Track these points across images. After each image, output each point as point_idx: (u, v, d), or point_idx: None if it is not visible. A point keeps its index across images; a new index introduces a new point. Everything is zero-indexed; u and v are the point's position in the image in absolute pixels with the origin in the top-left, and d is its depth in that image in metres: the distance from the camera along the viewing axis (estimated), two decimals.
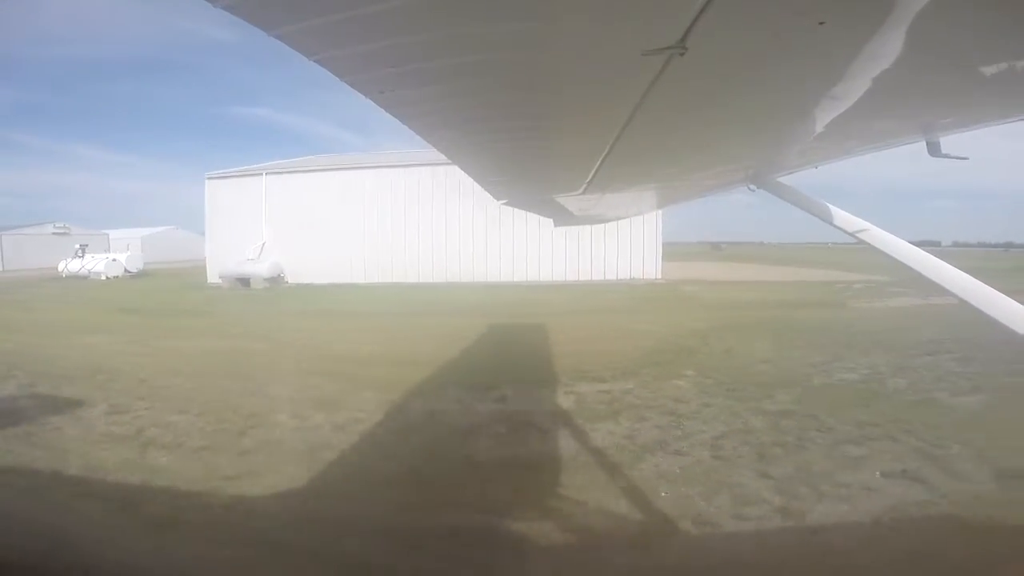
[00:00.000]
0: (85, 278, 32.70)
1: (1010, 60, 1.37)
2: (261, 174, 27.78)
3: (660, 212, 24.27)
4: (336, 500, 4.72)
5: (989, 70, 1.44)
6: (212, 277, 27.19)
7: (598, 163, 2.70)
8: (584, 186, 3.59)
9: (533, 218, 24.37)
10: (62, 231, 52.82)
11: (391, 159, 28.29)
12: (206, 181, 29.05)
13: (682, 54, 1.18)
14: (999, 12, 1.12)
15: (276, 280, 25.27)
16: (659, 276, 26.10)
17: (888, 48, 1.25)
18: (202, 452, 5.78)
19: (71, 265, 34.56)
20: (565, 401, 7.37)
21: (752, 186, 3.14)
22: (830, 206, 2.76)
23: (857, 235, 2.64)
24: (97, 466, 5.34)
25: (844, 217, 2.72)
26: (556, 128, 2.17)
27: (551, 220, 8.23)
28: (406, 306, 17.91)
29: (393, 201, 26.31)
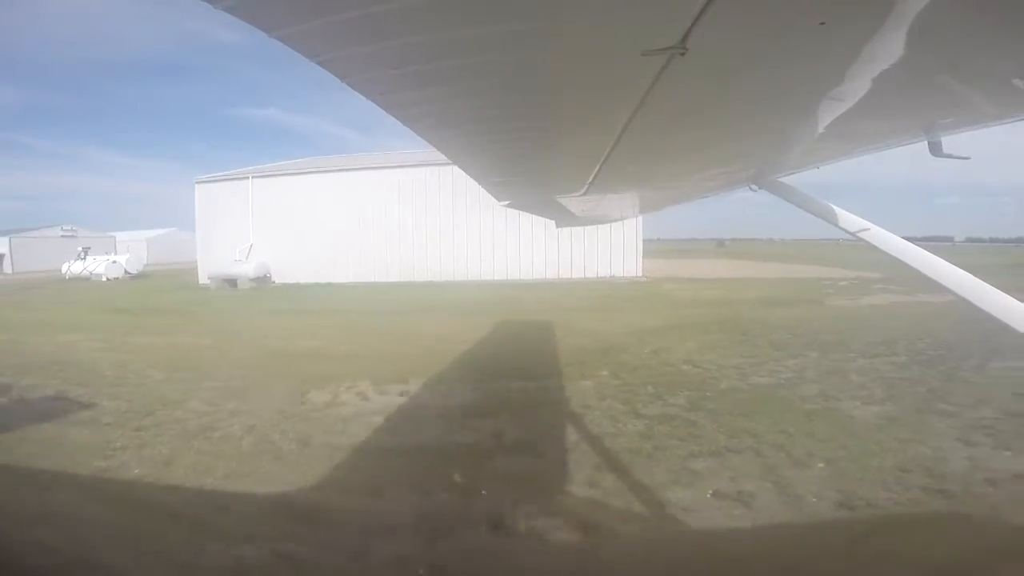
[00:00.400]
0: (87, 280, 33.38)
1: (1010, 60, 1.37)
2: (248, 177, 28.40)
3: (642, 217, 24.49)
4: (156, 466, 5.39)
5: (990, 70, 1.44)
6: (203, 278, 27.78)
7: (599, 164, 2.71)
8: (586, 187, 3.59)
9: (515, 218, 24.67)
10: (70, 234, 53.56)
11: (374, 161, 28.86)
12: (195, 185, 29.70)
13: (683, 54, 1.18)
14: (998, 12, 1.12)
15: (262, 280, 25.90)
16: (640, 274, 26.45)
17: (888, 48, 1.25)
18: (102, 426, 6.65)
19: (73, 267, 35.32)
20: (466, 397, 7.51)
21: (754, 186, 3.14)
22: (832, 206, 2.75)
23: (859, 234, 2.63)
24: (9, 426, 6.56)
25: (846, 217, 2.72)
26: (557, 129, 2.17)
27: (552, 221, 8.23)
28: (376, 305, 18.37)
29: (378, 202, 26.74)
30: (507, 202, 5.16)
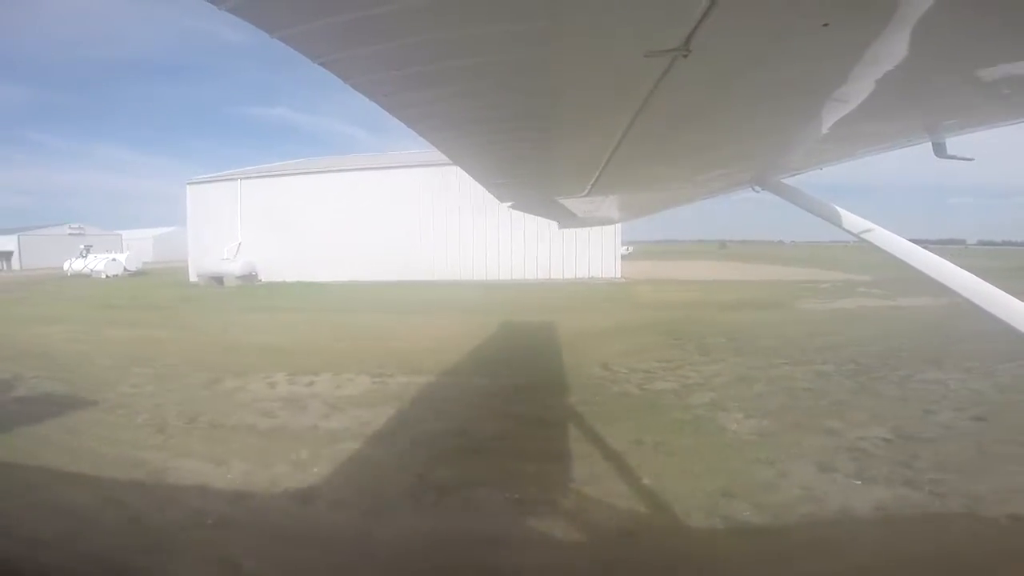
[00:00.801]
0: (87, 276, 34.18)
1: (1014, 61, 1.36)
2: (237, 179, 29.20)
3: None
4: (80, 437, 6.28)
5: (993, 71, 1.43)
6: (193, 276, 28.51)
7: (602, 165, 2.70)
8: (588, 188, 3.59)
9: (497, 220, 25.38)
10: (77, 231, 54.34)
11: (360, 163, 29.44)
12: (187, 186, 30.51)
13: (685, 56, 1.18)
14: (1001, 13, 1.12)
15: (249, 278, 26.58)
16: (618, 275, 26.71)
17: (892, 49, 1.24)
18: (32, 400, 7.82)
19: (75, 264, 36.17)
20: (358, 388, 8.13)
21: (757, 187, 3.13)
22: (835, 207, 2.74)
23: (862, 236, 2.62)
24: None
25: (849, 218, 2.70)
26: (560, 130, 2.17)
27: (533, 225, 8.25)
28: (349, 304, 18.84)
29: (363, 203, 27.22)
30: (510, 203, 5.16)
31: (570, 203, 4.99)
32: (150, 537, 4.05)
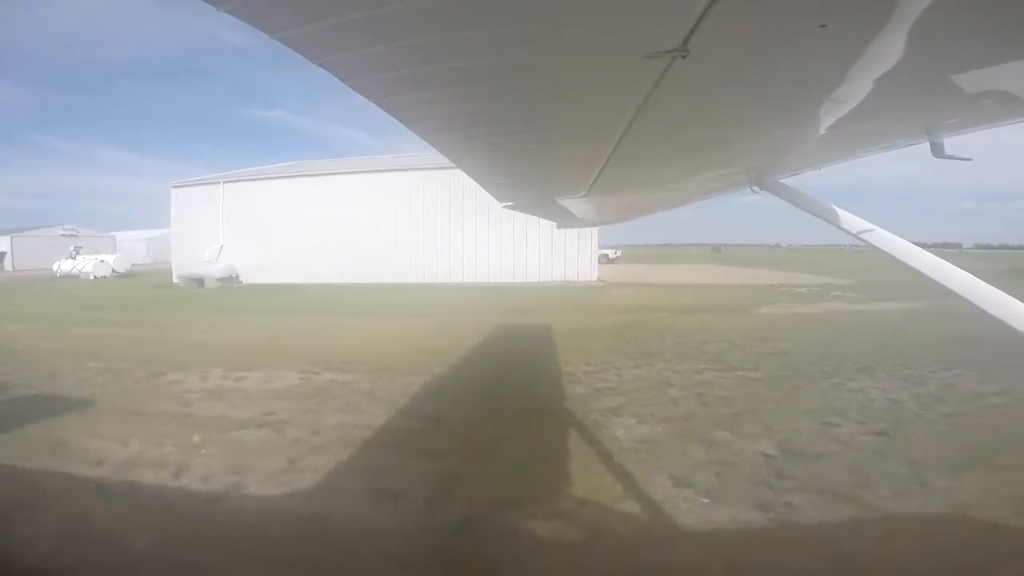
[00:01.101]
0: (76, 278, 34.57)
1: (1012, 61, 1.36)
2: (219, 183, 29.78)
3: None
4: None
5: (991, 71, 1.43)
6: (177, 278, 28.97)
7: (601, 166, 2.71)
8: (587, 189, 3.60)
9: (476, 223, 25.97)
10: (70, 233, 54.36)
11: (341, 167, 30.15)
12: (172, 190, 31.04)
13: (684, 57, 1.19)
14: (999, 13, 1.12)
15: (229, 280, 27.19)
16: (595, 278, 26.98)
17: (889, 50, 1.25)
18: None
19: (64, 266, 36.63)
20: (285, 383, 8.60)
21: (755, 188, 3.13)
22: (834, 207, 2.74)
23: (861, 236, 2.62)
24: None
25: (848, 219, 2.70)
26: (559, 131, 2.18)
27: (508, 229, 8.25)
28: (317, 305, 19.08)
29: (344, 207, 27.67)
30: (509, 204, 5.16)
31: (569, 203, 4.99)
32: (27, 495, 4.67)
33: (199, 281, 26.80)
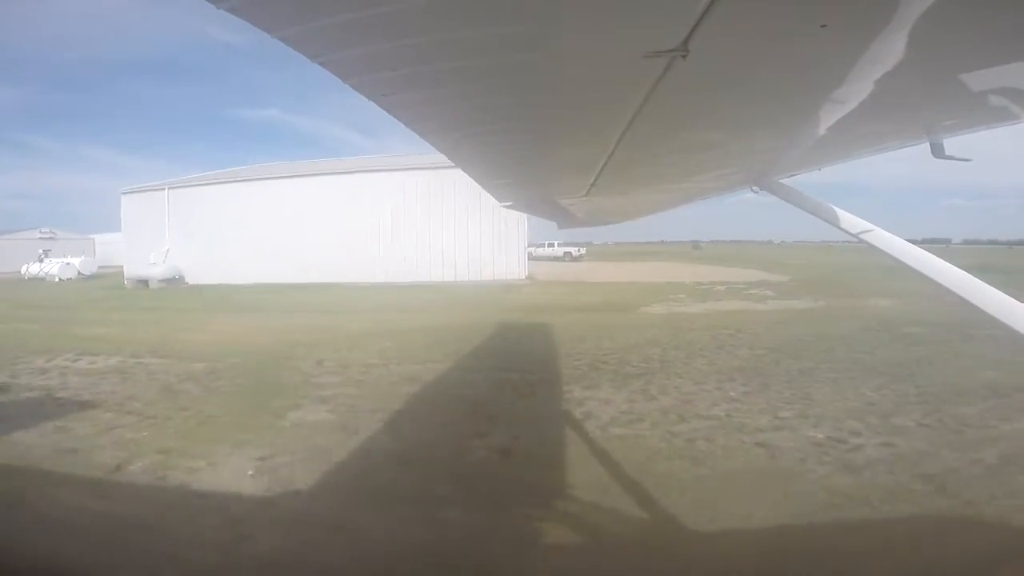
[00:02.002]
0: (43, 280, 35.64)
1: (1012, 61, 1.36)
2: (164, 188, 31.54)
3: (525, 218, 26.83)
4: None
5: (991, 72, 1.43)
6: (126, 280, 30.61)
7: (601, 166, 2.71)
8: (587, 189, 3.60)
9: (416, 225, 27.13)
10: (48, 236, 54.38)
11: (278, 171, 31.76)
12: (121, 196, 32.56)
13: (684, 56, 1.18)
14: (999, 14, 1.12)
15: (173, 281, 28.68)
16: (523, 277, 27.52)
17: (890, 50, 1.24)
18: None
19: (31, 268, 37.74)
20: (105, 364, 9.91)
21: (755, 188, 3.13)
22: (834, 207, 2.75)
23: (861, 236, 2.63)
24: None
25: (848, 218, 2.71)
26: (558, 131, 2.17)
27: (555, 223, 8.25)
28: (235, 303, 20.00)
29: (284, 209, 28.84)
30: (508, 204, 5.15)
31: (569, 203, 4.99)
32: None
33: (144, 282, 28.27)
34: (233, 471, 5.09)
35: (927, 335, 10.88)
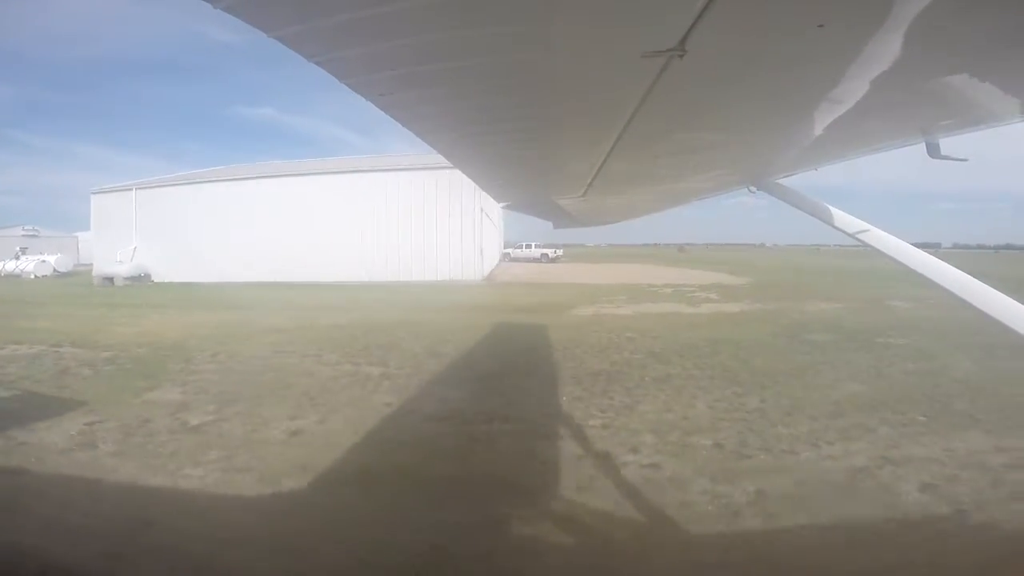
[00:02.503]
0: (19, 277, 36.20)
1: (1008, 62, 1.37)
2: (132, 189, 32.52)
3: (481, 221, 27.99)
4: None
5: (988, 72, 1.44)
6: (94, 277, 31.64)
7: (598, 165, 2.71)
8: (585, 188, 3.60)
9: (372, 225, 27.76)
10: (31, 233, 54.40)
11: (240, 173, 32.69)
12: (91, 196, 33.42)
13: (681, 56, 1.19)
14: (996, 13, 1.13)
15: (139, 279, 29.60)
16: (480, 277, 28.01)
17: (886, 51, 1.25)
18: None
19: (7, 266, 38.04)
20: (26, 352, 10.51)
21: (752, 188, 3.14)
22: (831, 208, 2.75)
23: (858, 236, 2.63)
24: None
25: (845, 218, 2.71)
26: (556, 130, 2.17)
27: (551, 223, 8.25)
28: (188, 301, 20.31)
29: (249, 210, 29.64)
30: (506, 203, 5.16)
31: (567, 203, 4.99)
32: None
33: (110, 280, 29.07)
34: (62, 431, 6.07)
35: (828, 342, 10.88)
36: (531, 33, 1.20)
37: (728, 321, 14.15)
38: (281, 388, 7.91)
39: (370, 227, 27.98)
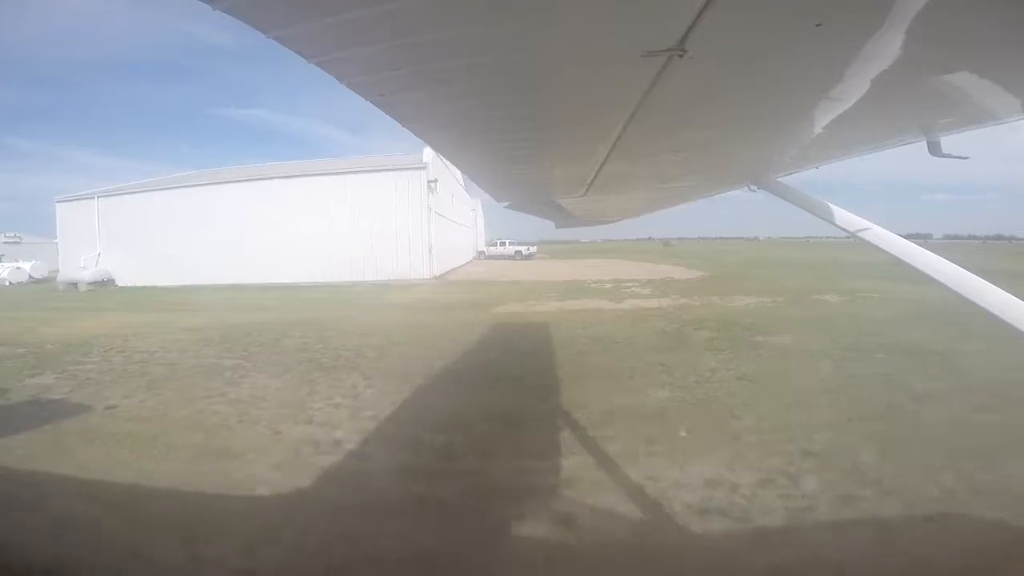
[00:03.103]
0: None
1: (1008, 60, 1.37)
2: (95, 197, 33.85)
3: (429, 221, 28.78)
4: None
5: (988, 70, 1.44)
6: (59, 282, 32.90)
7: (599, 165, 2.71)
8: (585, 188, 3.60)
9: (325, 227, 28.61)
10: (13, 240, 54.74)
11: (203, 179, 34.17)
12: (56, 204, 34.81)
13: (681, 56, 1.19)
14: (995, 12, 1.12)
15: (102, 284, 30.79)
16: (428, 275, 28.60)
17: (885, 49, 1.25)
18: None
19: None
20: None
21: (753, 186, 3.13)
22: (831, 205, 2.75)
23: (858, 234, 2.63)
24: None
25: (845, 216, 2.71)
26: (556, 129, 2.17)
27: (551, 223, 8.24)
28: (135, 305, 20.75)
29: (208, 215, 30.80)
30: (506, 203, 5.15)
31: (567, 202, 4.99)
32: None
33: (73, 284, 30.02)
34: None
35: (699, 341, 10.54)
36: (531, 33, 1.20)
37: (630, 318, 14.07)
38: (136, 376, 8.82)
39: (323, 229, 28.95)
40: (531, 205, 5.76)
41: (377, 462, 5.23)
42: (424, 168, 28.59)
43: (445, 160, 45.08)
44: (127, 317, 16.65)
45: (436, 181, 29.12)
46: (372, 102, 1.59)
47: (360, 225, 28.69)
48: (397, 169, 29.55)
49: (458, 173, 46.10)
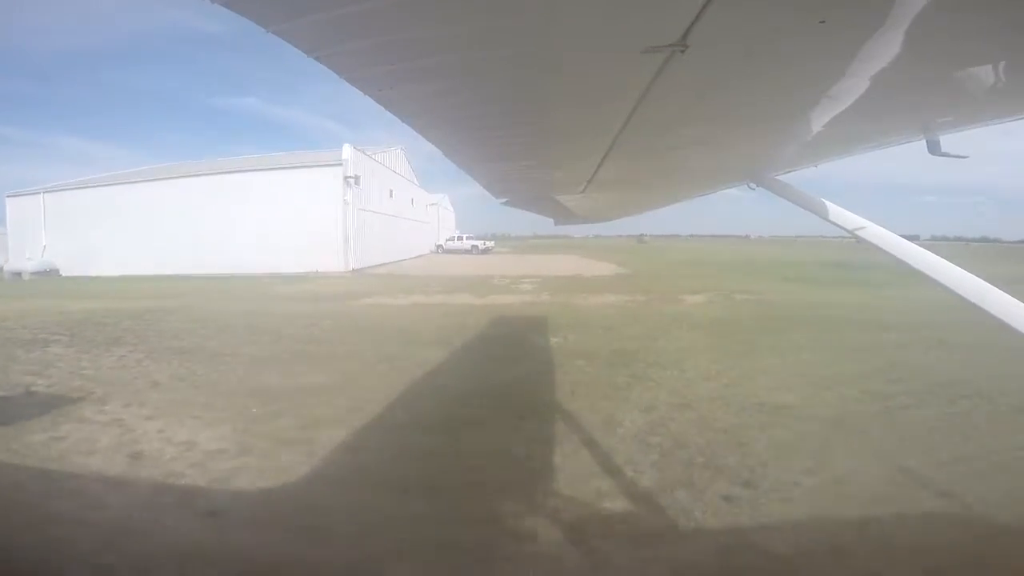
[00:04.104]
0: None
1: (1009, 59, 1.37)
2: (40, 193, 35.49)
3: (349, 213, 30.03)
4: None
5: (988, 69, 1.43)
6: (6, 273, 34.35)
7: (598, 161, 2.70)
8: (585, 185, 3.59)
9: (254, 220, 30.22)
10: None
11: (146, 175, 35.89)
12: (6, 199, 36.30)
13: (683, 52, 1.18)
14: (998, 11, 1.12)
15: (46, 274, 32.23)
16: (345, 268, 29.69)
17: (888, 47, 1.24)
18: None
19: None
20: None
21: (752, 184, 3.13)
22: (828, 204, 2.75)
23: (855, 233, 2.63)
24: None
25: (842, 215, 2.71)
26: (556, 126, 2.17)
27: (551, 220, 8.24)
28: (61, 293, 21.14)
29: (151, 209, 32.45)
30: (505, 200, 5.14)
31: (567, 200, 4.99)
32: None
33: (18, 275, 31.73)
34: None
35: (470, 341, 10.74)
36: (532, 28, 1.19)
37: (460, 314, 14.24)
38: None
39: (252, 223, 30.28)
40: (530, 202, 5.75)
41: None
42: (341, 165, 29.90)
43: (403, 157, 43.25)
44: (31, 304, 17.38)
45: (357, 177, 30.24)
46: (371, 97, 1.58)
47: (283, 219, 29.99)
48: (316, 166, 31.18)
49: (409, 170, 46.76)
